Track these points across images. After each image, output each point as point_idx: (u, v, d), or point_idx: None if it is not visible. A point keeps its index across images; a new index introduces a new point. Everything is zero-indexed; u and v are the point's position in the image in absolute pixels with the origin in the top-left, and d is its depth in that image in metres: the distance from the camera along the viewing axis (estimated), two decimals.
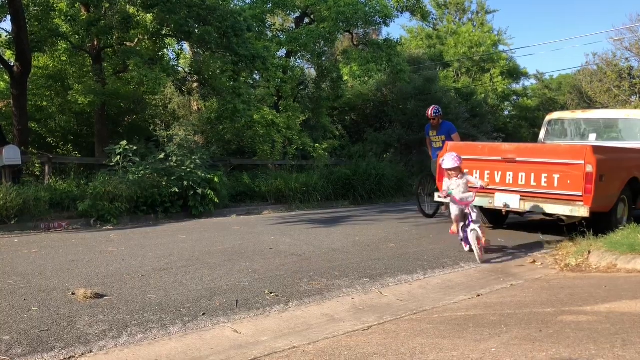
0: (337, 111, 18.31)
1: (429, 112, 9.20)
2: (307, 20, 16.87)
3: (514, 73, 28.52)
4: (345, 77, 18.20)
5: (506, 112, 28.16)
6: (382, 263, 5.49)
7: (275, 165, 13.78)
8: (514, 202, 7.10)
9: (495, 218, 8.28)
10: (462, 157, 7.77)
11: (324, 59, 16.26)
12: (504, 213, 7.56)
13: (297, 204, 11.54)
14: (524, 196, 7.08)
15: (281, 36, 16.06)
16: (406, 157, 16.07)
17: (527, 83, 31.06)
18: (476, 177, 6.72)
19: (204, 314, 3.68)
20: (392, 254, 6.01)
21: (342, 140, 16.97)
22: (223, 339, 3.32)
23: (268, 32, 16.16)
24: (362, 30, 17.49)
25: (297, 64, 17.52)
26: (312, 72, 18.54)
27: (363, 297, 4.31)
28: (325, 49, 16.33)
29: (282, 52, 16.23)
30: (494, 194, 7.33)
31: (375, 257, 5.81)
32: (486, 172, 7.48)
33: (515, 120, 27.71)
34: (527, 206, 7.05)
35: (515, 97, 28.88)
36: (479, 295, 4.39)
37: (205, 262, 5.33)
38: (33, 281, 4.43)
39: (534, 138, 13.75)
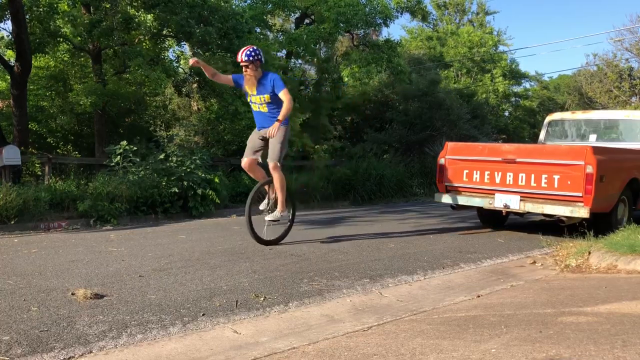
0: (337, 111, 18.31)
1: (240, 55, 5.95)
2: (307, 20, 16.87)
3: (516, 75, 28.54)
4: (346, 79, 18.20)
5: (507, 113, 28.18)
6: (382, 264, 5.49)
7: None
8: (514, 203, 7.10)
9: (495, 219, 8.28)
10: (462, 157, 7.82)
11: (324, 60, 16.25)
12: (504, 214, 7.56)
13: (297, 204, 11.52)
14: (524, 197, 7.08)
15: (281, 37, 16.07)
16: (407, 157, 16.06)
17: (528, 85, 31.10)
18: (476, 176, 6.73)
19: (203, 315, 3.68)
20: (392, 254, 6.01)
21: (342, 141, 16.96)
22: (223, 340, 3.32)
23: (269, 33, 16.17)
24: (362, 31, 17.49)
25: (297, 64, 17.51)
26: (312, 72, 18.55)
27: (363, 298, 4.31)
28: (325, 49, 16.33)
29: (282, 53, 16.23)
30: (494, 194, 7.33)
31: (375, 257, 5.80)
32: (486, 173, 7.48)
33: (516, 121, 27.72)
34: (527, 207, 7.06)
35: (515, 99, 28.90)
36: (479, 296, 4.39)
37: (205, 263, 5.32)
38: (33, 281, 4.42)
39: (535, 139, 13.76)
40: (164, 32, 12.28)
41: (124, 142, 10.16)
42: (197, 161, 10.22)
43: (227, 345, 3.23)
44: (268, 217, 6.23)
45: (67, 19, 11.92)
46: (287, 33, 16.21)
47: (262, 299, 4.11)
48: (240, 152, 14.30)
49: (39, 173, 11.16)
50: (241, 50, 6.00)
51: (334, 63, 17.18)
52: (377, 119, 18.15)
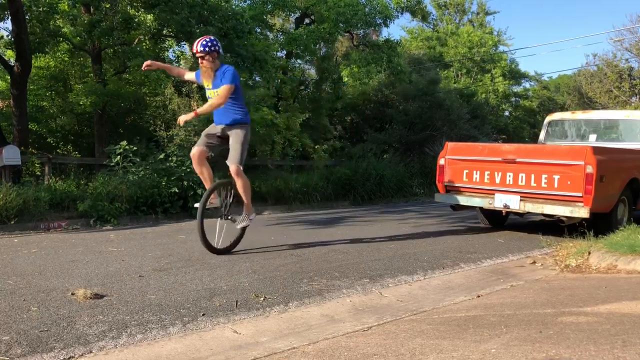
0: (337, 111, 18.31)
1: (195, 46, 5.54)
2: (307, 20, 16.86)
3: (515, 75, 28.55)
4: (346, 79, 18.19)
5: (506, 113, 28.19)
6: (382, 264, 5.49)
7: (274, 166, 13.78)
8: (514, 203, 7.10)
9: (495, 219, 8.28)
10: (462, 157, 7.82)
11: (324, 60, 16.25)
12: (504, 214, 7.56)
13: (296, 204, 11.53)
14: (524, 197, 7.08)
15: (281, 37, 16.07)
16: (406, 157, 16.07)
17: (528, 85, 31.11)
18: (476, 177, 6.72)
19: (203, 315, 3.68)
20: (392, 254, 6.01)
21: (342, 141, 16.97)
22: (223, 340, 3.32)
23: (269, 33, 16.16)
24: (362, 31, 17.49)
25: (297, 64, 17.52)
26: (312, 72, 18.56)
27: (363, 298, 4.31)
28: (325, 49, 16.33)
29: (282, 53, 16.23)
30: (494, 194, 7.33)
31: (375, 257, 5.80)
32: (486, 173, 7.48)
33: (516, 121, 27.72)
34: (527, 207, 7.06)
35: (515, 99, 28.90)
36: (479, 296, 4.39)
37: (205, 263, 5.32)
38: (33, 281, 4.42)
39: (535, 139, 13.76)
40: (164, 32, 12.27)
41: (124, 142, 10.16)
42: None
43: (227, 345, 3.23)
44: (239, 225, 5.89)
45: (67, 19, 11.92)
46: (287, 33, 16.20)
47: (262, 299, 4.11)
48: None
49: (39, 173, 11.15)
50: (197, 41, 5.59)
51: (334, 63, 17.17)
52: (377, 119, 18.16)
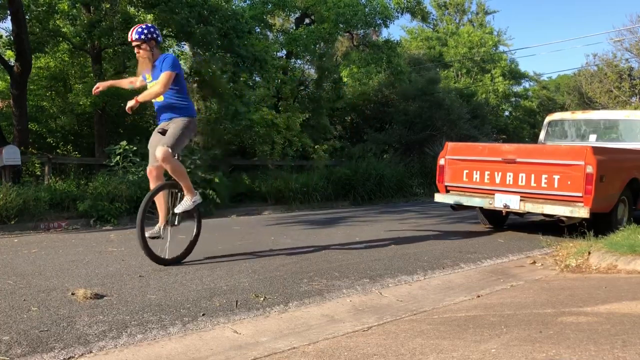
0: (337, 111, 18.33)
1: (131, 34, 5.09)
2: (307, 20, 16.88)
3: (515, 75, 28.56)
4: (345, 79, 18.18)
5: (506, 113, 28.20)
6: (382, 264, 5.49)
7: (275, 166, 13.79)
8: (514, 203, 7.10)
9: (495, 219, 8.28)
10: (462, 157, 7.83)
11: (324, 59, 16.28)
12: (504, 214, 7.56)
13: (297, 204, 11.53)
14: (524, 197, 7.09)
15: (281, 37, 16.08)
16: (406, 157, 16.07)
17: (528, 85, 31.12)
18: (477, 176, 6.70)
19: (203, 315, 3.68)
20: (392, 254, 6.01)
21: (342, 141, 16.99)
22: (223, 340, 3.32)
23: (269, 33, 16.17)
24: (362, 31, 17.51)
25: (297, 64, 17.53)
26: (312, 72, 18.58)
27: (363, 298, 4.31)
28: (325, 49, 16.34)
29: (282, 53, 16.23)
30: (494, 194, 7.33)
31: (375, 257, 5.80)
32: (486, 173, 7.48)
33: (516, 121, 27.74)
34: (527, 207, 7.06)
35: (515, 99, 28.92)
36: (479, 296, 4.39)
37: (205, 262, 5.32)
38: (33, 281, 4.42)
39: (535, 139, 13.76)
40: (164, 32, 12.28)
41: (124, 142, 10.16)
42: (197, 161, 10.22)
43: (227, 345, 3.23)
44: (178, 209, 5.24)
45: (66, 18, 11.92)
46: (287, 33, 16.21)
47: (262, 299, 4.11)
48: (241, 152, 14.35)
49: (39, 173, 11.16)
50: (132, 28, 5.12)
51: (334, 63, 17.18)
52: (377, 118, 18.17)
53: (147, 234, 5.01)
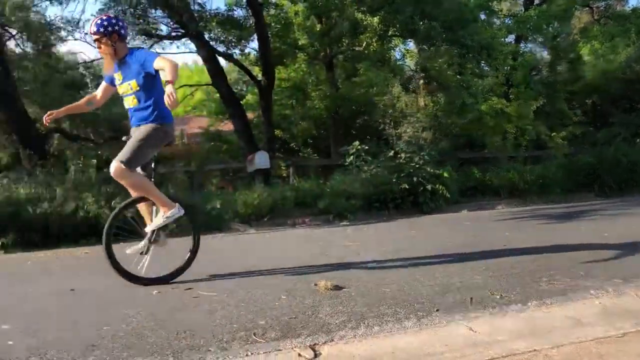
0: (576, 95, 16.71)
1: (90, 26, 4.33)
2: (537, 1, 15.74)
3: None
4: (586, 57, 16.49)
5: None
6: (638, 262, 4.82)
7: (507, 157, 13.14)
8: None
9: None
10: None
11: (558, 39, 14.98)
12: None
13: (532, 197, 10.82)
14: None
15: (509, 21, 15.27)
16: None
17: None
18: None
19: (437, 310, 3.67)
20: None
21: (583, 127, 15.42)
22: (457, 337, 3.27)
23: (496, 20, 15.52)
24: (603, 3, 15.69)
25: (527, 48, 16.47)
26: (544, 54, 17.25)
27: (615, 300, 3.84)
28: (559, 28, 15.03)
29: (510, 38, 15.40)
30: None
31: (630, 255, 5.13)
32: None
33: None
34: None
35: None
36: None
37: (437, 258, 5.31)
38: (281, 271, 4.92)
39: None
40: (390, 32, 12.62)
41: (357, 142, 10.72)
42: (426, 157, 10.28)
43: (462, 343, 3.17)
44: (148, 228, 4.45)
45: (302, 30, 13.05)
46: (515, 16, 15.32)
47: (497, 296, 3.94)
48: (470, 145, 14.01)
49: (285, 175, 12.42)
50: (92, 20, 4.40)
51: (570, 41, 15.68)
52: (627, 98, 16.05)
53: (128, 251, 4.40)
